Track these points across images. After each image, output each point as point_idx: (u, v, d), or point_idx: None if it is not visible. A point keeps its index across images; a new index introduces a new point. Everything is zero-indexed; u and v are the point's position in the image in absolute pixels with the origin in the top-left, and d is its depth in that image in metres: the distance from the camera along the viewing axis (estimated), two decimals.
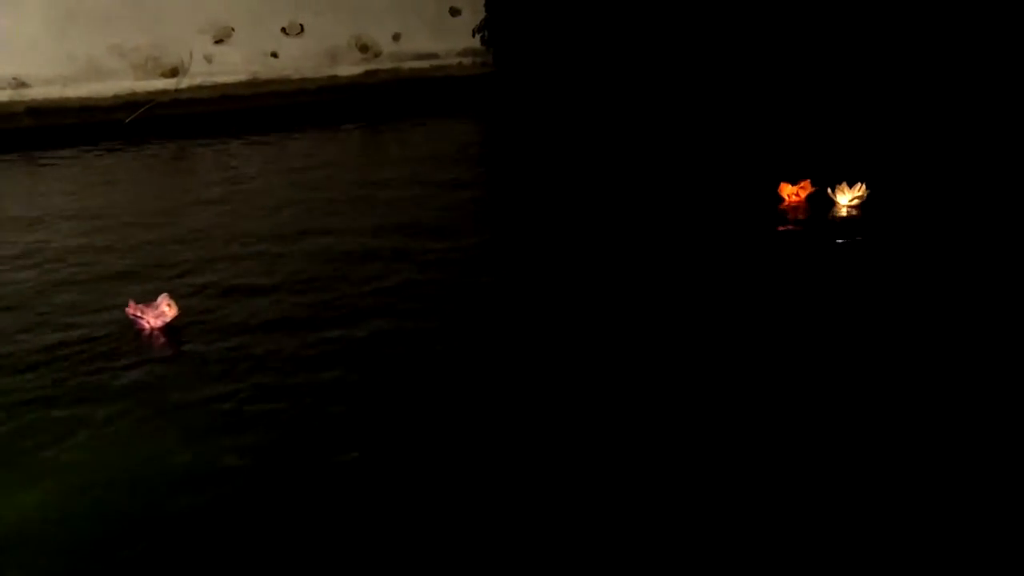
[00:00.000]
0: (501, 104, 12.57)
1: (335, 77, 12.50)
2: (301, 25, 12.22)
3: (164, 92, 11.21)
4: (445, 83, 13.09)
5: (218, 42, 11.65)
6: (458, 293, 5.40)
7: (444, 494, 3.34)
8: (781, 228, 6.55)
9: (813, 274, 5.56)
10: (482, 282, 5.57)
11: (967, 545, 3.02)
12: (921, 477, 3.37)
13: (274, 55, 12.06)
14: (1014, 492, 3.27)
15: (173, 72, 11.33)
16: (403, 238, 6.37)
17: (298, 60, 12.22)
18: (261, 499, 3.35)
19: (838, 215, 6.76)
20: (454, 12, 13.40)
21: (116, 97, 10.95)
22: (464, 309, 5.13)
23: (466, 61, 13.56)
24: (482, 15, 13.55)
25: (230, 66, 11.70)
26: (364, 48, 12.74)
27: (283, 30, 12.13)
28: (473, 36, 13.58)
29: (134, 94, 11.04)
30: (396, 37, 12.92)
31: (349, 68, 12.64)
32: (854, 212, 6.77)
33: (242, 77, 11.81)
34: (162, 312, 4.80)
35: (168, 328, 4.80)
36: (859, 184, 6.85)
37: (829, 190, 6.88)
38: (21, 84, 10.45)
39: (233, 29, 11.73)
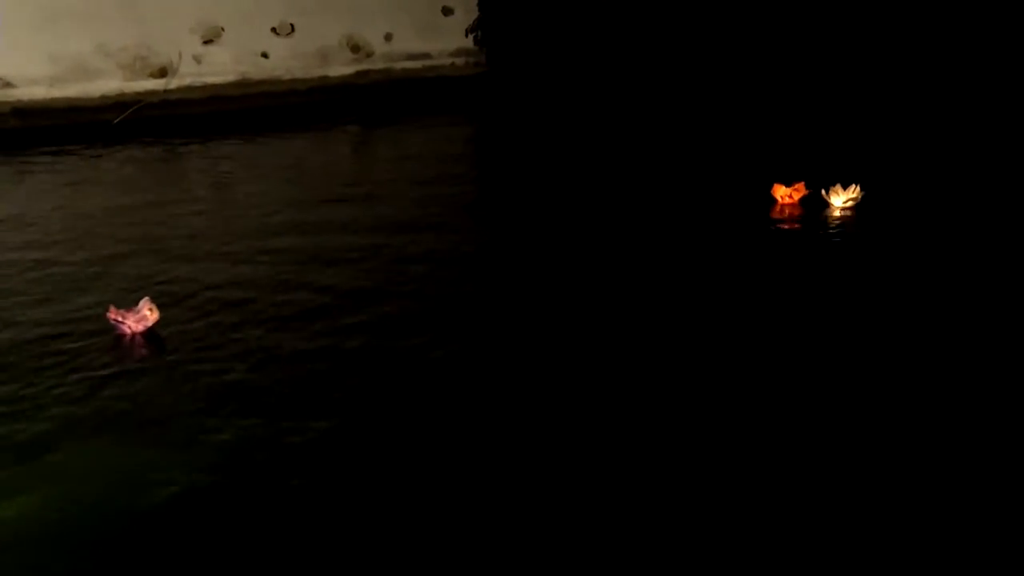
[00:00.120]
0: (495, 105, 12.50)
1: (326, 78, 12.39)
2: (292, 25, 12.11)
3: (152, 93, 11.09)
4: (438, 84, 13.00)
5: (207, 42, 11.54)
6: (452, 291, 5.37)
7: (434, 496, 3.28)
8: (774, 230, 6.51)
9: (805, 276, 5.52)
10: (477, 282, 5.55)
11: (955, 539, 2.99)
12: (912, 472, 3.35)
13: (264, 55, 11.95)
14: (997, 485, 3.28)
15: (162, 72, 11.22)
16: (398, 237, 6.33)
17: (288, 60, 12.11)
18: (243, 504, 3.28)
19: (832, 217, 6.71)
20: (447, 12, 13.31)
21: (104, 98, 10.82)
22: (457, 307, 5.08)
23: (459, 61, 13.48)
24: (475, 15, 13.46)
25: (219, 66, 11.58)
26: (356, 48, 12.65)
27: (273, 30, 12.02)
28: (466, 36, 13.50)
29: (122, 95, 10.91)
30: (388, 37, 12.82)
31: (340, 68, 12.54)
32: (848, 214, 6.73)
33: (232, 78, 11.69)
34: (143, 316, 4.72)
35: (149, 333, 4.71)
36: (853, 186, 6.80)
37: (823, 192, 6.84)
38: (7, 84, 10.32)
39: (223, 29, 11.62)
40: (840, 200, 6.79)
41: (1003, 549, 2.99)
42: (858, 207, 6.76)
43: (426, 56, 13.13)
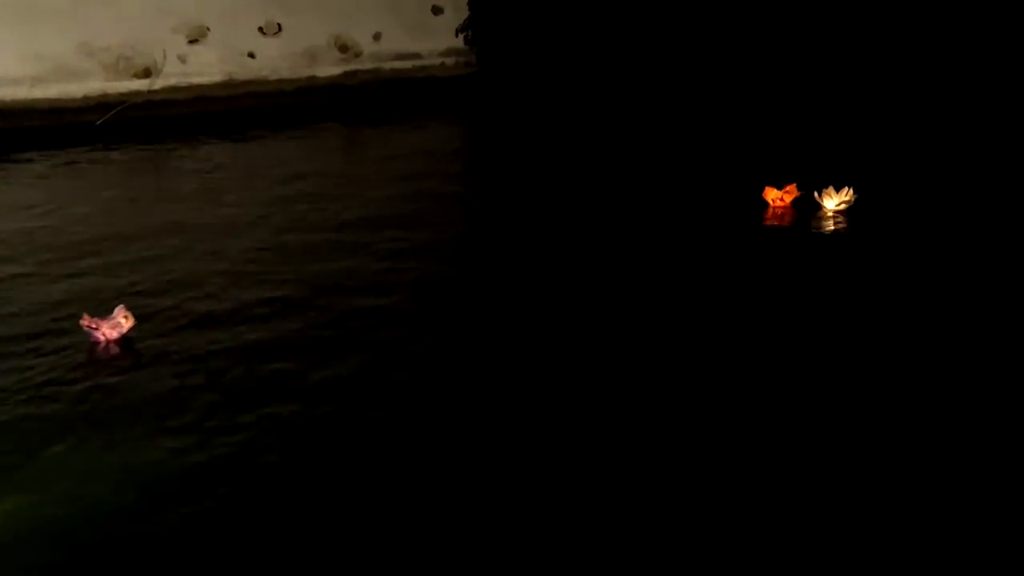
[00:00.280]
0: (485, 105, 12.40)
1: (314, 78, 12.25)
2: (279, 24, 11.98)
3: (137, 93, 10.93)
4: (428, 84, 12.89)
5: (192, 42, 11.39)
6: (440, 287, 5.38)
7: (418, 489, 3.26)
8: (766, 232, 6.44)
9: (797, 279, 5.45)
10: (466, 278, 5.58)
11: (955, 538, 2.96)
12: (905, 469, 3.33)
13: (251, 55, 11.80)
14: (987, 482, 3.27)
15: (146, 72, 11.06)
16: (386, 232, 6.31)
17: (276, 60, 11.97)
18: (228, 503, 3.24)
19: (824, 219, 6.63)
20: (436, 11, 13.20)
21: (87, 98, 10.65)
22: (450, 305, 5.07)
23: (449, 61, 13.36)
24: (465, 14, 13.36)
25: (205, 66, 11.43)
26: (344, 48, 12.52)
27: (260, 29, 11.88)
28: (456, 36, 13.39)
29: (105, 95, 10.75)
30: (377, 37, 12.70)
31: (328, 68, 12.40)
32: (840, 216, 6.65)
33: (218, 78, 11.54)
34: (118, 323, 4.59)
35: (124, 340, 4.59)
36: (846, 188, 6.72)
37: (816, 194, 6.75)
38: None
39: (208, 28, 11.47)
40: (833, 203, 6.70)
41: (1003, 549, 2.94)
42: (851, 210, 6.68)
43: (416, 56, 13.01)
